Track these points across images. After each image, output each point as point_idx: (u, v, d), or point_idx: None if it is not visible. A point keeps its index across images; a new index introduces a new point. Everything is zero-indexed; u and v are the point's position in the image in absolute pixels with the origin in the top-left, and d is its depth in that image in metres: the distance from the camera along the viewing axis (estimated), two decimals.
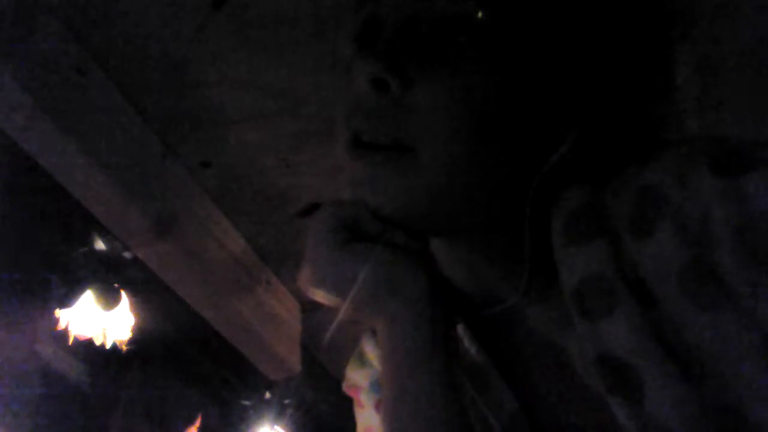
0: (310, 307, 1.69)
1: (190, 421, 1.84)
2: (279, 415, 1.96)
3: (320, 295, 0.38)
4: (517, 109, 0.35)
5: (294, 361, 1.68)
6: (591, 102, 0.37)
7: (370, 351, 0.49)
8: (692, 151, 0.34)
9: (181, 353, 1.77)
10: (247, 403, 1.95)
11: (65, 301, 1.37)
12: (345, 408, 0.54)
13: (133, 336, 1.46)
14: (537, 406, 0.39)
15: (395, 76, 0.35)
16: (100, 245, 1.41)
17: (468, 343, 0.41)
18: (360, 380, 0.49)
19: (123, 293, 1.44)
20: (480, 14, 0.34)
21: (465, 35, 0.35)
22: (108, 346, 1.42)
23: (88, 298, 1.39)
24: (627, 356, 0.32)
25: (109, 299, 1.41)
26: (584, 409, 0.37)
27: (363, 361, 0.50)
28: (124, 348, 1.47)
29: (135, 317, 1.47)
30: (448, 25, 0.35)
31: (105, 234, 1.34)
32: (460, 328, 0.41)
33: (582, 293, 0.34)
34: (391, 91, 0.35)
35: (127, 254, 1.40)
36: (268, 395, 1.96)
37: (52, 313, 1.37)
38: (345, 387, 0.51)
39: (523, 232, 0.37)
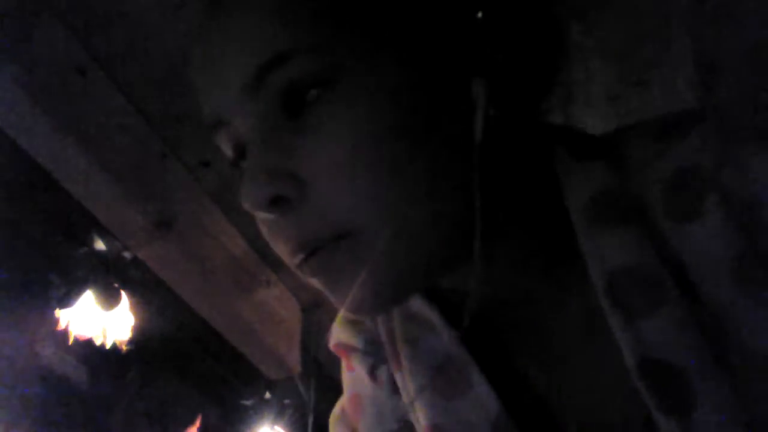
0: (310, 307, 1.69)
1: (190, 421, 1.84)
2: (279, 415, 1.95)
3: None
4: (421, 115, 0.32)
5: (294, 361, 1.68)
6: (484, 54, 0.32)
7: None
8: (732, 124, 0.30)
9: (181, 353, 1.77)
10: (247, 403, 1.95)
11: (65, 301, 1.37)
12: None
13: (133, 336, 1.46)
14: (526, 404, 0.36)
15: (285, 187, 0.31)
16: (100, 245, 1.41)
17: (445, 337, 0.38)
18: (351, 340, 0.45)
19: (123, 293, 1.44)
20: (339, 65, 0.31)
21: (327, 93, 0.31)
22: (108, 346, 1.42)
23: (88, 298, 1.39)
24: (677, 361, 0.28)
25: (109, 299, 1.41)
26: (586, 407, 0.34)
27: (356, 322, 0.46)
28: (124, 348, 1.47)
29: (135, 317, 1.47)
30: (306, 97, 0.31)
31: (105, 234, 1.34)
32: (437, 320, 0.39)
33: (617, 285, 0.31)
34: (292, 200, 0.32)
35: (127, 254, 1.40)
36: (268, 395, 1.96)
37: (52, 313, 1.37)
38: (333, 346, 0.47)
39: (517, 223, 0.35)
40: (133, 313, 1.46)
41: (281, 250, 0.34)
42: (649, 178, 0.32)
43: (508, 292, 0.37)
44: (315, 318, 1.70)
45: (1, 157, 1.10)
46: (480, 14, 0.32)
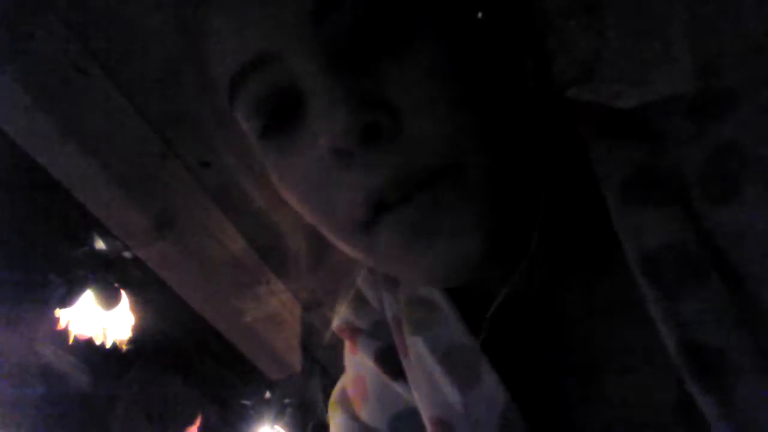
0: (310, 307, 1.69)
1: (190, 421, 1.84)
2: (279, 415, 1.96)
3: None
4: (491, 59, 0.32)
5: (294, 361, 1.68)
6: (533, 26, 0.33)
7: (371, 294, 0.44)
8: None
9: (181, 353, 1.77)
10: (247, 403, 1.95)
11: (65, 301, 1.37)
12: None
13: (133, 336, 1.46)
14: (538, 395, 0.35)
15: (380, 114, 0.28)
16: (100, 245, 1.41)
17: (455, 326, 0.37)
18: (357, 321, 0.44)
19: (123, 293, 1.44)
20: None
21: (416, 26, 0.29)
22: (108, 346, 1.42)
23: (88, 298, 1.39)
24: (718, 342, 0.27)
25: (109, 299, 1.41)
26: (612, 392, 0.33)
27: (362, 301, 0.44)
28: (124, 348, 1.47)
29: (135, 317, 1.47)
30: (390, 27, 0.29)
31: (105, 234, 1.34)
32: (447, 308, 0.38)
33: (655, 263, 0.30)
34: (385, 130, 0.28)
35: (127, 254, 1.40)
36: (268, 395, 1.96)
37: (52, 313, 1.37)
38: (337, 328, 0.45)
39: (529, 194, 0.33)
40: (133, 313, 1.46)
41: (353, 199, 0.30)
42: (685, 156, 0.31)
43: (529, 279, 0.35)
44: (315, 318, 1.70)
45: (1, 157, 1.10)
46: None
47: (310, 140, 0.30)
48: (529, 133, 0.33)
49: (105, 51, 1.04)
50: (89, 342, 1.40)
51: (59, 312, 1.36)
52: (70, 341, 1.38)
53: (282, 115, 0.31)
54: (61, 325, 1.36)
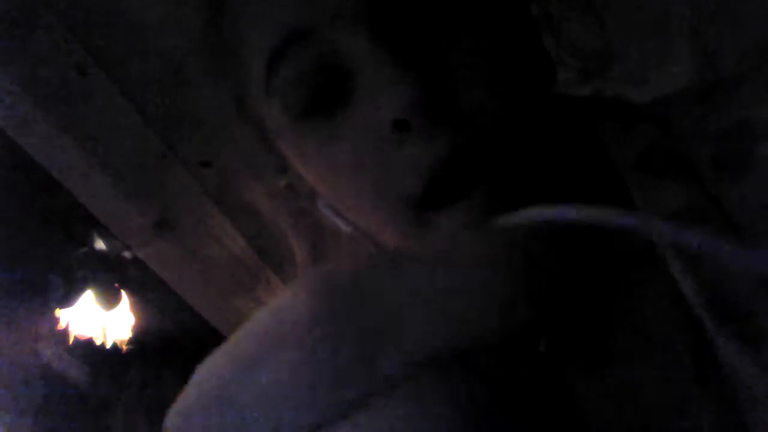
0: None
1: None
2: None
3: None
4: (522, 48, 0.34)
5: None
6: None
7: None
8: None
9: (181, 353, 1.77)
10: None
11: (65, 301, 1.37)
12: None
13: (133, 336, 1.46)
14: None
15: (438, 83, 0.28)
16: (100, 245, 1.41)
17: None
18: None
19: (123, 293, 1.44)
20: None
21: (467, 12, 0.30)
22: (108, 346, 1.42)
23: (88, 298, 1.39)
24: (742, 303, 0.28)
25: (109, 299, 1.41)
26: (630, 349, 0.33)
27: None
28: (124, 348, 1.47)
29: (135, 317, 1.47)
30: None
31: (105, 234, 1.34)
32: None
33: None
34: (442, 101, 0.28)
35: (127, 254, 1.40)
36: None
37: (52, 313, 1.38)
38: None
39: None
40: (133, 313, 1.46)
41: (409, 173, 0.29)
42: (695, 140, 0.32)
43: None
44: None
45: (2, 157, 1.10)
46: None
47: (360, 116, 0.30)
48: (554, 124, 0.33)
49: (105, 50, 1.04)
50: (89, 342, 1.40)
51: (59, 312, 1.36)
52: (70, 341, 1.38)
53: (324, 94, 0.31)
54: (61, 325, 1.36)
